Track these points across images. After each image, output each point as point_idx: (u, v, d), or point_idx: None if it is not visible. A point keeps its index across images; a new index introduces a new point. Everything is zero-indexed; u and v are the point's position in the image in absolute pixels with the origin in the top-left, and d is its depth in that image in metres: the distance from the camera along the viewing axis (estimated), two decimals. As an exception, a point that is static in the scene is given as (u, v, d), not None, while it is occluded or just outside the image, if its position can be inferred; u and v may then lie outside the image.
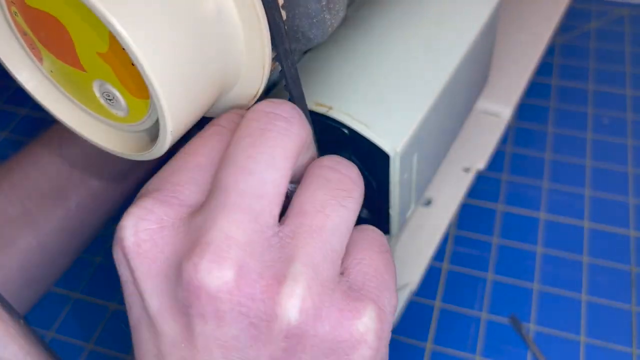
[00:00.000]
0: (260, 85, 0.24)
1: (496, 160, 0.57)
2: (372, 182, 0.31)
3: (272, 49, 0.22)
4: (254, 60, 0.23)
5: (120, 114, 0.24)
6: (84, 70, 0.23)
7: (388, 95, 0.31)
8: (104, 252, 0.51)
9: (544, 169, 0.56)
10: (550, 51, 0.66)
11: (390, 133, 0.30)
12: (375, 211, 0.33)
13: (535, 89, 0.62)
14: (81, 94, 0.24)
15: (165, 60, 0.20)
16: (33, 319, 0.48)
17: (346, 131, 0.30)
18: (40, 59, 0.24)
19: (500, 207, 0.53)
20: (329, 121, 0.30)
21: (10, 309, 0.25)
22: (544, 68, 0.64)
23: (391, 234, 0.34)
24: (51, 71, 0.24)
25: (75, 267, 0.50)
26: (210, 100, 0.23)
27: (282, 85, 0.25)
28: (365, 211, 0.33)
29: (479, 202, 0.54)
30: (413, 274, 0.39)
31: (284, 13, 0.22)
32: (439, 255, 0.51)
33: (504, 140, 0.58)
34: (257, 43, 0.22)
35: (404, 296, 0.38)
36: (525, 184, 0.55)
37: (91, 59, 0.22)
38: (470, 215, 0.53)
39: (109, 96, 0.23)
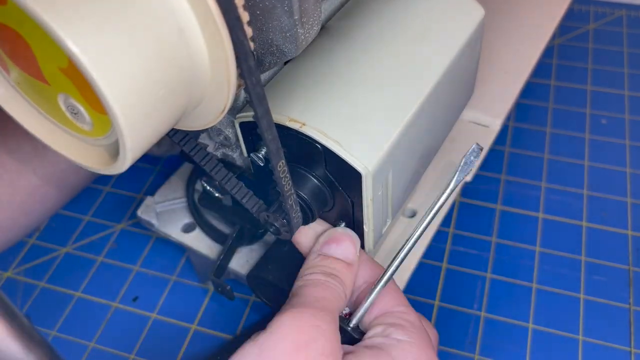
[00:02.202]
0: (226, 102, 0.22)
1: (495, 160, 0.55)
2: (347, 198, 0.30)
3: (237, 66, 0.21)
4: (219, 77, 0.21)
5: (86, 127, 0.22)
6: (48, 84, 0.21)
7: (363, 112, 0.29)
8: (106, 253, 0.50)
9: (543, 170, 0.54)
10: (549, 52, 0.64)
11: (363, 151, 0.28)
12: (352, 226, 0.32)
13: (534, 90, 0.61)
14: (48, 106, 0.23)
15: (122, 80, 0.18)
16: (36, 318, 0.47)
17: (319, 148, 0.28)
18: (7, 70, 0.22)
19: (499, 207, 0.52)
20: (302, 137, 0.28)
21: (12, 309, 0.24)
22: (542, 69, 0.62)
23: (366, 249, 0.33)
24: (18, 83, 0.23)
25: (76, 266, 0.50)
26: (174, 117, 0.22)
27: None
28: (343, 225, 0.32)
29: (478, 202, 0.52)
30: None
31: (249, 30, 0.21)
32: (438, 254, 0.49)
33: (502, 141, 0.57)
34: (221, 60, 0.21)
35: None
36: (524, 184, 0.53)
37: (53, 73, 0.21)
38: (469, 215, 0.51)
39: (73, 110, 0.22)
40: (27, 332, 0.24)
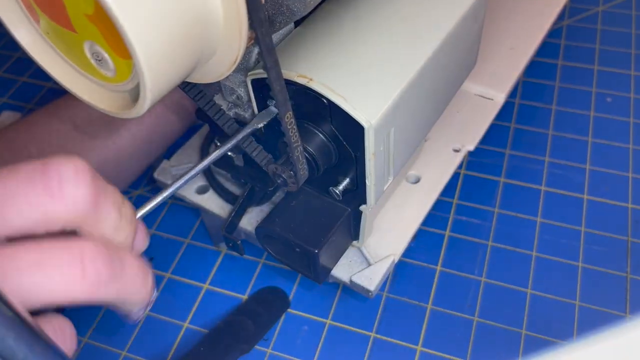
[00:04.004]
0: (238, 52, 0.24)
1: (500, 135, 0.56)
2: (351, 152, 0.32)
3: (248, 17, 0.23)
4: (231, 26, 0.23)
5: (109, 74, 0.24)
6: (75, 32, 0.23)
7: (368, 70, 0.31)
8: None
9: (547, 145, 0.56)
10: (557, 33, 0.66)
11: (366, 106, 0.30)
12: (355, 181, 0.34)
13: (541, 69, 0.62)
14: (74, 55, 0.25)
15: (144, 22, 0.20)
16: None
17: (325, 102, 0.30)
18: (37, 20, 0.24)
19: (502, 180, 0.53)
20: (310, 92, 0.30)
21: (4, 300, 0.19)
22: (550, 49, 0.64)
23: (368, 204, 0.35)
24: (47, 32, 0.24)
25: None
26: (190, 63, 0.23)
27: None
28: (347, 181, 0.34)
29: (482, 175, 0.54)
30: (397, 247, 0.40)
31: None
32: (442, 223, 0.51)
33: (508, 117, 0.58)
34: (233, 9, 0.22)
35: (387, 265, 0.39)
36: (528, 159, 0.55)
37: (80, 20, 0.22)
38: (473, 187, 0.53)
39: (98, 57, 0.24)
40: (22, 324, 0.19)
